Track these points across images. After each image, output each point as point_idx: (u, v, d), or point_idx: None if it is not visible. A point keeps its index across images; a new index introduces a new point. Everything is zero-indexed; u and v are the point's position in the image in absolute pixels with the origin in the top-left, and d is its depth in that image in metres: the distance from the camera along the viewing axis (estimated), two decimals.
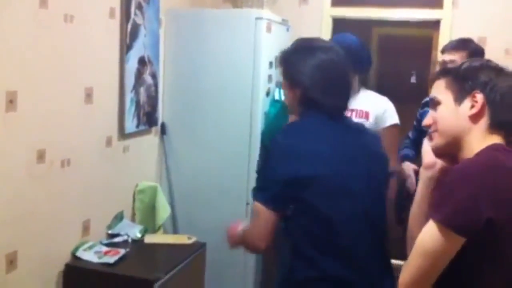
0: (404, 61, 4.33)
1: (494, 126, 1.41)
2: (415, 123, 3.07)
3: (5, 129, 2.21)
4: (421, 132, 2.57)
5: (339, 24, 4.03)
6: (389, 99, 2.88)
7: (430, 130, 1.50)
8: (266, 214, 1.75)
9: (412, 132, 3.07)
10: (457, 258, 1.31)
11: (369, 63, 2.90)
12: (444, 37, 3.81)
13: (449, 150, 1.46)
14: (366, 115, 2.75)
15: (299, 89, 1.83)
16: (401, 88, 4.19)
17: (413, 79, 4.24)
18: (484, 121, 1.41)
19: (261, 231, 1.79)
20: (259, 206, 1.76)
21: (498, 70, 1.45)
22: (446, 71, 1.51)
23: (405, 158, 2.96)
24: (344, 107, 1.87)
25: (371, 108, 2.75)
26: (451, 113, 1.45)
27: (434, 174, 1.49)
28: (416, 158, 2.92)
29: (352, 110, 2.78)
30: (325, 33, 3.93)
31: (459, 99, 1.44)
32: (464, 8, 3.81)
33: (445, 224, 1.28)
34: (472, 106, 1.41)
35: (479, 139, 1.40)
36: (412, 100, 3.44)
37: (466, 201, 1.27)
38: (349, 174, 1.75)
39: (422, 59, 4.17)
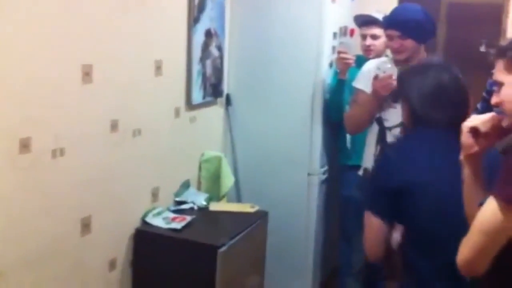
0: (473, 29, 4.20)
1: None
2: (484, 93, 3.00)
3: (82, 100, 2.33)
4: (490, 103, 2.53)
5: None
6: (459, 68, 2.83)
7: (499, 109, 1.47)
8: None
9: (481, 103, 3.00)
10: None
11: (433, 34, 2.89)
12: None
13: None
14: None
15: (408, 106, 1.94)
16: (470, 56, 4.07)
17: (482, 48, 4.11)
18: None
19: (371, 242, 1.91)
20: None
21: None
22: (502, 52, 1.45)
23: None
24: (453, 122, 1.78)
25: None
26: None
27: (474, 153, 1.47)
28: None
29: None
30: (391, 2, 3.85)
31: None
32: None
33: (506, 201, 1.27)
34: None
35: None
36: (482, 69, 3.35)
37: None
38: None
39: (492, 27, 4.03)
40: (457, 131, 1.69)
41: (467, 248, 1.36)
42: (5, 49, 1.96)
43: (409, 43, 2.78)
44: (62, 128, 2.25)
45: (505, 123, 1.45)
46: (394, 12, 2.92)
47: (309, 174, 3.40)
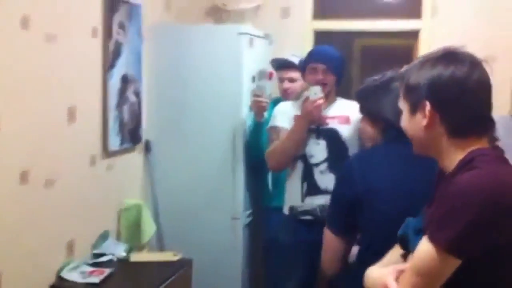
0: (386, 70, 4.36)
1: (458, 132, 1.34)
2: None
3: None
4: None
5: (321, 36, 4.06)
6: None
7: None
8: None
9: None
10: (455, 277, 1.26)
11: (344, 73, 2.98)
12: (424, 47, 3.86)
13: (431, 155, 1.41)
14: (347, 120, 2.83)
15: (381, 121, 2.04)
16: None
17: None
18: (444, 129, 1.34)
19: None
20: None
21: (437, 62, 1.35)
22: (400, 78, 1.46)
23: None
24: None
25: (350, 112, 2.79)
26: (411, 124, 1.41)
27: None
28: None
29: (334, 117, 2.86)
30: (307, 46, 3.95)
31: (412, 111, 1.39)
32: (443, 18, 3.86)
33: (445, 248, 1.23)
34: (425, 117, 1.35)
35: (452, 147, 1.34)
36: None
37: (469, 228, 1.20)
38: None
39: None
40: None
41: None
42: None
43: (331, 78, 2.84)
44: None
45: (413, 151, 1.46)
46: (319, 48, 3.00)
47: (232, 218, 3.37)
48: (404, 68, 1.46)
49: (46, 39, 2.49)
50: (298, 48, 3.74)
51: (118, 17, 2.97)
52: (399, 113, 1.49)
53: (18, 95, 2.35)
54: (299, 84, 3.24)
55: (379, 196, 1.88)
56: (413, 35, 3.99)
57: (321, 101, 2.78)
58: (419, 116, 1.36)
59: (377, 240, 1.83)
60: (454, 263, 1.25)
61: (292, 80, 3.32)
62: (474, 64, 1.34)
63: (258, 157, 3.19)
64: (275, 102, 3.31)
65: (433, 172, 1.48)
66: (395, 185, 1.88)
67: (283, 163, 2.91)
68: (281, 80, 3.38)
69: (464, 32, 3.74)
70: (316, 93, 2.78)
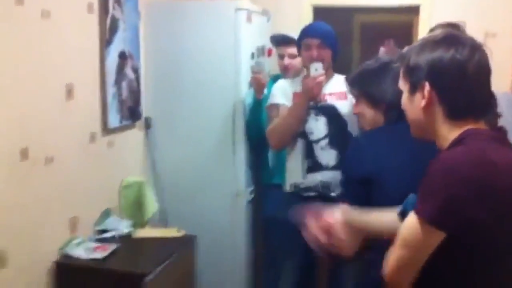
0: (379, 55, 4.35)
1: (456, 114, 1.35)
2: None
3: None
4: None
5: (319, 13, 4.03)
6: None
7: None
8: None
9: None
10: (441, 255, 1.29)
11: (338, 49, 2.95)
12: (424, 23, 3.84)
13: (427, 138, 1.43)
14: (345, 96, 2.82)
15: (383, 103, 2.08)
16: None
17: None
18: (442, 110, 1.36)
19: None
20: None
21: (440, 44, 1.36)
22: (400, 58, 1.47)
23: None
24: None
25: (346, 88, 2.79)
26: (410, 104, 1.42)
27: None
28: None
29: (331, 94, 2.85)
30: (305, 22, 3.92)
31: (411, 91, 1.41)
32: None
33: (427, 220, 1.26)
34: (423, 98, 1.36)
35: (448, 128, 1.36)
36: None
37: (449, 201, 1.24)
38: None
39: (403, 45, 4.18)
40: None
41: (391, 261, 1.35)
42: None
43: (327, 53, 2.83)
44: None
45: (411, 132, 1.48)
46: (312, 24, 2.97)
47: (235, 195, 3.36)
48: (405, 49, 1.47)
49: (41, 14, 2.46)
50: (297, 24, 3.70)
51: None
52: (399, 94, 1.50)
53: (14, 72, 2.33)
54: (299, 60, 3.21)
55: (388, 176, 1.92)
56: (413, 10, 3.96)
57: (322, 77, 2.77)
58: (418, 96, 1.38)
59: None
60: (437, 236, 1.27)
61: (292, 56, 3.29)
62: (474, 47, 1.35)
63: (258, 134, 3.18)
64: (275, 79, 3.29)
65: (435, 152, 1.47)
66: (402, 165, 1.91)
67: (284, 141, 2.91)
68: (281, 56, 3.35)
69: (464, 8, 3.72)
70: (317, 69, 2.77)
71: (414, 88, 1.38)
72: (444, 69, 1.33)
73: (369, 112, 2.15)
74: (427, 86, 1.35)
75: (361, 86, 2.19)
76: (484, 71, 1.36)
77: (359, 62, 4.39)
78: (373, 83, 2.11)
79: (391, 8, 4.07)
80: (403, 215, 1.44)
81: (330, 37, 2.86)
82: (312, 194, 2.83)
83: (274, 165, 3.31)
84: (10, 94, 2.30)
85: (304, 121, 2.85)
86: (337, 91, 2.87)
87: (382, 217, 1.60)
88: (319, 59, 2.81)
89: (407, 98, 1.43)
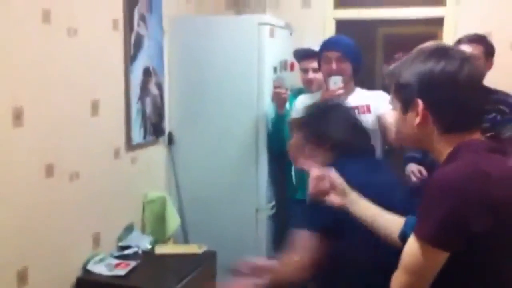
0: None
1: (450, 128, 1.34)
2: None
3: (12, 145, 2.22)
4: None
5: (342, 26, 4.01)
6: None
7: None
8: None
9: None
10: (446, 268, 1.27)
11: (360, 71, 2.90)
12: (448, 34, 3.79)
13: (424, 149, 1.43)
14: (368, 109, 2.79)
15: (330, 141, 2.00)
16: None
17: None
18: (436, 126, 1.34)
19: None
20: None
21: (430, 56, 1.34)
22: (389, 76, 1.44)
23: (411, 160, 2.97)
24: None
25: (371, 102, 2.77)
26: (403, 122, 1.41)
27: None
28: (423, 159, 2.92)
29: (353, 107, 2.82)
30: (328, 36, 3.91)
31: (404, 110, 1.39)
32: (467, 4, 3.78)
33: (428, 241, 1.24)
34: (417, 115, 1.35)
35: (443, 142, 1.35)
36: None
37: (448, 217, 1.22)
38: None
39: None
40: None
41: (397, 287, 1.33)
42: None
43: (347, 66, 2.80)
44: None
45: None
46: (333, 37, 2.95)
47: (257, 210, 3.35)
48: (392, 66, 1.45)
49: (67, 33, 2.49)
50: (320, 38, 3.68)
51: (138, 10, 2.96)
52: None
53: (41, 89, 2.36)
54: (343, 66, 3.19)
55: None
56: (437, 22, 3.92)
57: (340, 91, 2.74)
58: (411, 114, 1.37)
59: None
60: (440, 257, 1.25)
61: (316, 70, 3.26)
62: (464, 59, 1.34)
63: (281, 148, 3.15)
64: (297, 93, 3.28)
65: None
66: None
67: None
68: (305, 70, 3.33)
69: (488, 19, 3.67)
70: (336, 82, 2.74)
71: (407, 106, 1.37)
72: (435, 82, 1.32)
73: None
74: (420, 104, 1.33)
75: (308, 127, 2.12)
76: (475, 82, 1.36)
77: (381, 73, 4.36)
78: (318, 123, 2.08)
79: (415, 20, 4.03)
80: (403, 238, 1.41)
81: (350, 50, 2.83)
82: None
83: (297, 180, 3.29)
84: (36, 109, 2.32)
85: None
86: (360, 104, 2.83)
87: (389, 220, 1.55)
88: (338, 72, 2.79)
89: (400, 116, 1.42)
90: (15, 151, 2.24)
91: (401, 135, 1.45)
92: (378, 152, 2.70)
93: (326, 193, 1.62)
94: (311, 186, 1.66)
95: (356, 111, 2.83)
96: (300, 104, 2.98)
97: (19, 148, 2.25)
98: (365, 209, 1.57)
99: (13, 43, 2.20)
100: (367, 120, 2.81)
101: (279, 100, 3.18)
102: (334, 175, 1.61)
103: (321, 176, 1.62)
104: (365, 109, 2.82)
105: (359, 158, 1.92)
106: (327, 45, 2.89)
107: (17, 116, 2.22)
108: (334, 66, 2.80)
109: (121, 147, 2.94)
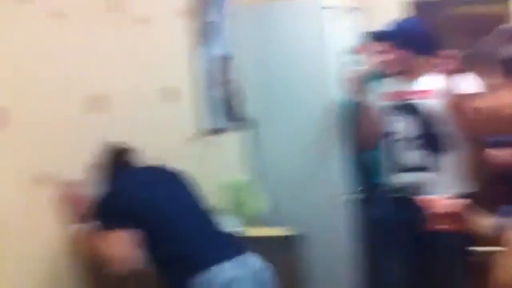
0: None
1: None
2: None
3: (90, 130, 2.29)
4: None
5: (413, 6, 3.92)
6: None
7: None
8: None
9: None
10: None
11: (430, 46, 2.81)
12: None
13: None
14: (431, 94, 2.73)
15: None
16: None
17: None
18: None
19: None
20: None
21: None
22: (481, 55, 1.41)
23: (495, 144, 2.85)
24: None
25: (435, 87, 2.71)
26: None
27: None
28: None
29: (415, 92, 2.78)
30: (399, 17, 3.82)
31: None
32: None
33: None
34: None
35: None
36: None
37: None
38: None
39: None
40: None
41: (504, 272, 1.31)
42: None
43: (401, 55, 2.77)
44: None
45: None
46: (384, 27, 2.93)
47: (339, 194, 3.30)
48: (481, 45, 1.42)
49: (138, 21, 2.57)
50: (389, 19, 3.62)
51: None
52: None
53: (116, 75, 2.43)
54: (393, 56, 3.13)
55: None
56: (501, 1, 3.77)
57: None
58: None
59: None
60: None
61: (386, 52, 3.20)
62: None
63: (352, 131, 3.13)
64: (368, 76, 3.24)
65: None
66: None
67: (369, 142, 2.93)
68: (375, 53, 3.28)
69: None
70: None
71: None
72: None
73: None
74: None
75: None
76: None
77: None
78: None
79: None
80: (501, 226, 1.40)
81: (402, 37, 2.77)
82: (398, 195, 2.79)
83: (376, 165, 3.23)
84: (116, 97, 2.39)
85: (386, 121, 2.80)
86: (423, 89, 2.77)
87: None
88: (389, 63, 2.79)
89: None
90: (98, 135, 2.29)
91: None
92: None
93: None
94: None
95: (417, 95, 2.77)
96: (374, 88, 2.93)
97: (95, 132, 2.31)
98: None
99: (81, 31, 2.27)
100: (429, 104, 2.73)
101: (351, 84, 3.11)
102: None
103: None
104: (427, 94, 2.74)
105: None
106: (376, 36, 2.87)
107: (96, 103, 2.31)
108: (383, 58, 2.76)
109: (198, 132, 2.98)
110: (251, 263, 2.11)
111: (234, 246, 2.15)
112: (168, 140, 2.75)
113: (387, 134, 2.80)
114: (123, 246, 1.98)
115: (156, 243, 2.04)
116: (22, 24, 1.98)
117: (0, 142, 1.88)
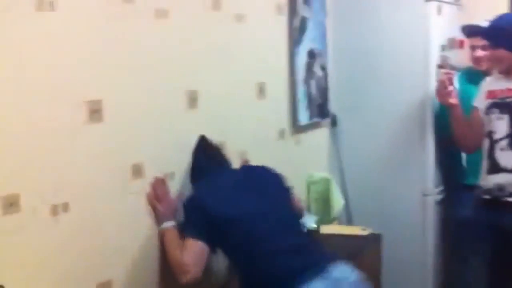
0: None
1: None
2: None
3: (185, 125, 2.37)
4: None
5: None
6: None
7: None
8: None
9: None
10: None
11: None
12: None
13: None
14: None
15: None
16: None
17: None
18: None
19: None
20: None
21: None
22: None
23: None
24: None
25: None
26: None
27: None
28: None
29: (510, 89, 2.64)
30: (501, 10, 3.62)
31: None
32: None
33: None
34: None
35: None
36: None
37: None
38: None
39: None
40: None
41: None
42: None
43: (500, 54, 2.64)
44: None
45: None
46: (486, 22, 2.79)
47: (423, 195, 3.25)
48: None
49: (236, 19, 2.61)
50: (492, 13, 3.44)
51: None
52: None
53: (211, 73, 2.49)
54: (492, 52, 2.99)
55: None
56: None
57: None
58: None
59: None
60: None
61: (485, 48, 3.07)
62: None
63: (447, 133, 3.03)
64: (465, 72, 3.12)
65: None
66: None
67: (475, 145, 2.80)
68: (473, 48, 3.15)
69: None
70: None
71: None
72: None
73: None
74: None
75: None
76: None
77: None
78: None
79: None
80: None
81: (498, 35, 2.63)
82: (488, 197, 2.68)
83: (467, 164, 3.14)
84: (209, 94, 2.47)
85: (487, 120, 2.69)
86: None
87: None
88: (480, 60, 2.71)
89: None
90: (190, 130, 2.38)
91: None
92: None
93: None
94: None
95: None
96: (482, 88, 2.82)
97: (193, 126, 2.39)
98: None
99: (184, 29, 2.33)
100: None
101: (442, 97, 2.98)
102: None
103: None
104: None
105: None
106: (471, 31, 2.73)
107: (193, 99, 2.38)
108: (476, 54, 2.63)
109: (286, 128, 3.02)
110: (343, 276, 1.98)
111: (324, 258, 2.03)
112: (259, 136, 2.82)
113: (488, 134, 2.69)
114: (189, 258, 1.94)
115: (239, 262, 2.03)
116: (126, 22, 2.06)
117: (96, 134, 1.97)
